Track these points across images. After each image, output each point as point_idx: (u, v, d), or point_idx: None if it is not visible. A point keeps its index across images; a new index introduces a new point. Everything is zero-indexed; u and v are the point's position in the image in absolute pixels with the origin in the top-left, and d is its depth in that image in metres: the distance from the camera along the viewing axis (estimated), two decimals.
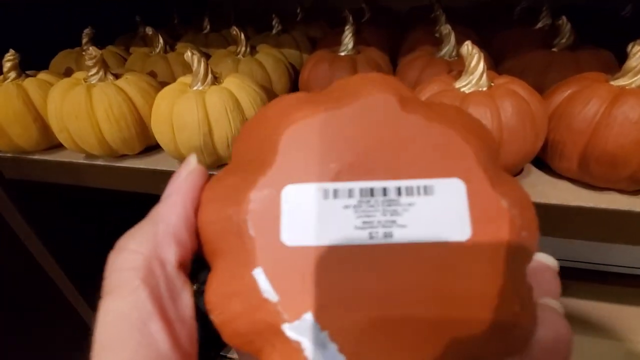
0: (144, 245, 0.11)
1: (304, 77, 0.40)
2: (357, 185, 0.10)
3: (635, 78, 0.26)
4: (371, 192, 0.10)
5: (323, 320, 0.09)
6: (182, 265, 0.12)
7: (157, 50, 0.46)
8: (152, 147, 0.38)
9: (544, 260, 0.12)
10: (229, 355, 0.57)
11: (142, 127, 0.36)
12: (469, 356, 0.09)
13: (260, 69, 0.41)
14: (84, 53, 0.48)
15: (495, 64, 0.38)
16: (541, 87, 0.32)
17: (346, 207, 0.09)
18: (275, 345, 0.09)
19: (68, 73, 0.46)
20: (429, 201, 0.10)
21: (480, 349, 0.09)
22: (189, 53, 0.32)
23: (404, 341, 0.09)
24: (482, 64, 0.27)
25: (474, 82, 0.27)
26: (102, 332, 0.11)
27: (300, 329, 0.09)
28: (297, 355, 0.09)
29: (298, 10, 0.60)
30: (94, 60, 0.35)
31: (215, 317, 0.10)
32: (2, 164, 0.42)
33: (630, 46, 0.27)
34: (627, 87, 0.27)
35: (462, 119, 0.11)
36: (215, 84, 0.33)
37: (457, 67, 0.32)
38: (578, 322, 0.58)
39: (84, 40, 0.49)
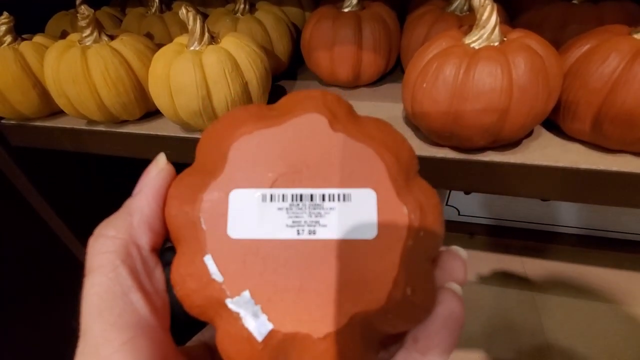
0: (121, 232, 0.13)
1: (306, 36, 0.38)
2: (289, 191, 0.12)
3: None
4: (300, 197, 0.12)
5: (257, 296, 0.11)
6: (154, 249, 0.14)
7: (153, 10, 0.44)
8: (153, 113, 0.38)
9: (456, 251, 0.15)
10: None
11: (141, 91, 0.35)
12: (370, 327, 0.12)
13: (260, 28, 0.39)
14: (77, 14, 0.46)
15: (511, 18, 0.36)
16: (559, 43, 0.30)
17: (280, 209, 0.12)
18: (222, 315, 0.12)
19: (64, 36, 0.45)
20: (346, 206, 0.12)
21: (379, 322, 0.12)
22: (183, 10, 0.30)
23: (318, 313, 0.11)
24: (494, 17, 0.25)
25: (485, 36, 0.25)
26: (89, 302, 0.12)
27: (239, 303, 0.11)
28: (236, 323, 0.11)
29: None
30: (86, 20, 0.33)
31: (177, 292, 0.12)
32: (7, 131, 0.42)
33: None
34: None
35: (383, 136, 0.13)
36: (212, 44, 0.31)
37: (468, 23, 0.30)
38: (581, 287, 0.58)
39: (78, 1, 0.47)
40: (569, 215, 0.63)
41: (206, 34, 0.31)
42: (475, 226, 0.69)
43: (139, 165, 0.51)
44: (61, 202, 0.52)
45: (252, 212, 0.12)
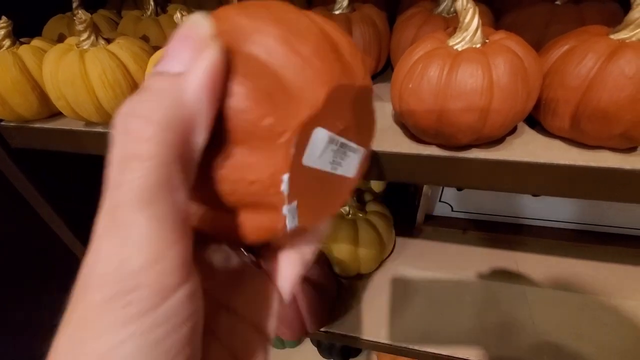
0: (171, 128, 0.11)
1: None
2: (342, 140, 0.15)
3: (637, 31, 0.26)
4: (343, 145, 0.15)
5: (299, 204, 0.15)
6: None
7: (149, 13, 0.45)
8: None
9: None
10: None
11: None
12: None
13: None
14: (74, 18, 0.47)
15: (497, 19, 0.37)
16: (542, 43, 0.31)
17: (332, 150, 0.15)
18: (265, 213, 0.14)
19: (61, 39, 0.46)
20: (352, 157, 0.16)
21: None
22: (178, 15, 0.31)
23: (327, 209, 0.17)
24: (476, 20, 0.26)
25: (467, 38, 0.27)
26: (130, 191, 0.11)
27: (289, 209, 0.14)
28: (279, 220, 0.14)
29: None
30: (84, 25, 0.34)
31: (229, 183, 0.14)
32: (7, 133, 0.43)
33: None
34: (627, 41, 0.26)
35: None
36: None
37: (455, 24, 0.31)
38: (571, 280, 0.59)
39: (75, 4, 0.48)
40: (560, 210, 0.64)
41: None
42: (468, 222, 0.70)
43: None
44: (61, 203, 0.53)
45: (319, 148, 0.14)
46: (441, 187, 0.68)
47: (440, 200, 0.70)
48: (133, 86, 0.35)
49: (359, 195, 0.63)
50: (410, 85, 0.27)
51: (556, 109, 0.28)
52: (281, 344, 0.91)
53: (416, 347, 0.53)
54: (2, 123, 0.42)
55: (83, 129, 0.39)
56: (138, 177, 0.11)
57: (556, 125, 0.29)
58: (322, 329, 0.57)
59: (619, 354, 0.50)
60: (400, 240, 0.70)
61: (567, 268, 0.61)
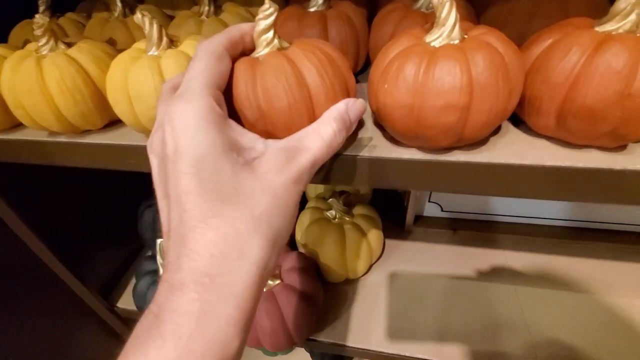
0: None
1: None
2: None
3: (623, 22, 0.24)
4: None
5: None
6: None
7: (116, 14, 0.43)
8: (117, 122, 0.37)
9: None
10: None
11: (101, 100, 0.34)
12: None
13: None
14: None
15: (478, 14, 0.35)
16: (525, 37, 0.29)
17: None
18: None
19: (26, 45, 0.43)
20: None
21: None
22: (139, 15, 0.29)
23: None
24: (453, 14, 0.24)
25: (445, 34, 0.25)
26: (196, 67, 0.23)
27: None
28: None
29: None
30: (42, 29, 0.32)
31: None
32: None
33: None
34: (613, 33, 0.24)
35: None
36: (172, 48, 0.30)
37: (433, 20, 0.29)
38: (562, 278, 0.58)
39: (41, 9, 0.46)
40: (550, 208, 0.63)
41: (164, 39, 0.30)
42: (458, 222, 0.69)
43: (111, 175, 0.50)
44: (33, 216, 0.50)
45: None
46: None
47: (429, 201, 0.69)
48: (95, 92, 0.33)
49: (346, 199, 0.61)
50: (386, 86, 0.25)
51: (541, 107, 0.26)
52: (273, 352, 0.89)
53: (407, 354, 0.52)
54: None
55: (46, 139, 0.37)
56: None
57: (541, 124, 0.27)
58: (309, 338, 0.56)
59: (611, 352, 0.49)
60: (389, 243, 0.68)
61: (558, 265, 0.60)
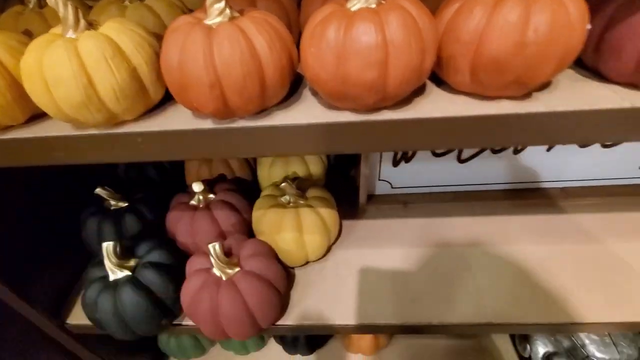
0: None
1: None
2: None
3: None
4: None
5: None
6: None
7: (31, 5, 0.40)
8: (41, 116, 0.34)
9: None
10: (183, 323, 0.57)
11: (20, 92, 0.31)
12: None
13: (152, 16, 0.37)
14: None
15: None
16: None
17: None
18: None
19: None
20: None
21: None
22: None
23: None
24: None
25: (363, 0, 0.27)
26: None
27: None
28: None
29: None
30: None
31: None
32: None
33: None
34: None
35: None
36: (90, 30, 0.29)
37: None
38: (501, 236, 0.64)
39: None
40: (486, 174, 0.69)
41: (81, 21, 0.29)
42: (408, 196, 0.73)
43: (47, 184, 0.47)
44: None
45: None
46: (379, 167, 0.69)
47: (379, 179, 0.71)
48: (11, 83, 0.31)
49: (299, 184, 0.62)
50: (312, 49, 0.26)
51: (456, 65, 0.29)
52: (244, 349, 0.88)
53: (370, 322, 0.54)
54: None
55: None
56: None
57: (458, 81, 0.30)
58: (277, 323, 0.56)
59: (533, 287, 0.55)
60: (346, 224, 0.70)
61: (494, 224, 0.65)
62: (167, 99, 0.34)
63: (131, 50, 0.29)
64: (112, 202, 0.61)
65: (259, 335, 0.74)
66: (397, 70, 0.25)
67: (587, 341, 0.67)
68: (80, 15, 0.29)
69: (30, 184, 0.57)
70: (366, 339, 0.83)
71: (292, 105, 0.32)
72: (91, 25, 0.30)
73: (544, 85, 0.31)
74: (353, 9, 0.27)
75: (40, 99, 0.29)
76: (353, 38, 0.24)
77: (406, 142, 0.29)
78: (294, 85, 0.35)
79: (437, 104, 0.30)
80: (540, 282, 0.56)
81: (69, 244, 0.64)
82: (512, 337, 0.85)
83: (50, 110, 0.29)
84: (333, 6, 0.28)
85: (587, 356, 0.67)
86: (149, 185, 0.68)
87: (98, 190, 0.59)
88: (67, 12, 0.28)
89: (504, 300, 0.55)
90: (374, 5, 0.27)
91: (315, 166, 0.68)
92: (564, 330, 0.52)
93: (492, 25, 0.26)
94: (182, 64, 0.25)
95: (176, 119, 0.32)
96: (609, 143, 0.63)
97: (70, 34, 0.28)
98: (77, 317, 0.61)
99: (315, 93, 0.33)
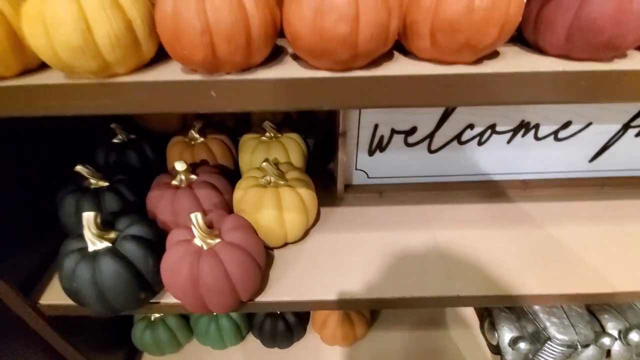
0: None
1: None
2: None
3: None
4: None
5: None
6: None
7: None
8: (33, 70, 0.36)
9: None
10: (161, 301, 0.57)
11: (16, 41, 0.34)
12: None
13: None
14: None
15: None
16: None
17: None
18: None
19: None
20: None
21: None
22: None
23: None
24: None
25: None
26: None
27: None
28: None
29: None
30: None
31: None
32: None
33: None
34: None
35: None
36: None
37: None
38: (467, 220, 0.68)
39: None
40: (454, 167, 0.74)
41: None
42: (383, 186, 0.77)
43: (22, 160, 0.48)
44: None
45: None
46: (355, 156, 0.73)
47: (356, 169, 0.75)
48: (9, 31, 0.33)
49: (279, 167, 0.64)
50: (293, 7, 0.30)
51: (418, 30, 0.33)
52: (222, 343, 0.86)
53: (346, 297, 0.56)
54: None
55: None
56: None
57: (421, 46, 0.34)
58: (256, 300, 0.57)
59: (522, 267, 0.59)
60: (324, 211, 0.73)
61: (465, 212, 0.70)
62: (158, 58, 0.37)
63: (127, 4, 0.32)
64: (92, 181, 0.62)
65: (238, 310, 0.74)
66: (366, 27, 0.29)
67: (547, 324, 0.72)
68: None
69: (6, 161, 0.57)
70: (343, 330, 0.84)
71: (275, 67, 0.35)
72: None
73: (493, 56, 0.36)
74: None
75: (38, 43, 0.31)
76: None
77: (374, 99, 0.33)
78: (276, 53, 0.38)
79: (402, 67, 0.34)
80: (499, 262, 0.61)
81: (44, 226, 0.63)
82: (482, 329, 0.89)
83: (47, 55, 0.31)
84: None
85: (549, 338, 0.71)
86: (130, 171, 0.69)
87: (79, 168, 0.59)
88: None
89: (469, 276, 0.58)
90: None
91: (295, 155, 0.71)
92: (514, 301, 0.56)
93: None
94: (176, 12, 0.28)
95: (167, 73, 0.34)
96: (543, 103, 0.69)
97: None
98: (50, 297, 0.60)
99: (296, 57, 0.37)
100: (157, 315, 0.85)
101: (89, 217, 0.50)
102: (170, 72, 0.34)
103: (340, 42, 0.30)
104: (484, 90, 0.33)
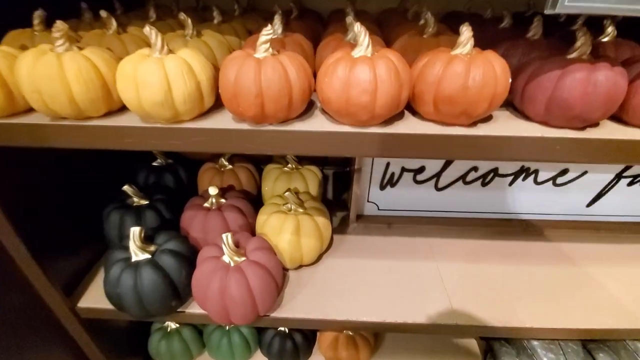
0: None
1: None
2: None
3: (463, 49, 0.41)
4: None
5: None
6: None
7: (111, 31, 0.53)
8: (114, 113, 0.45)
9: None
10: (187, 311, 0.64)
11: (106, 91, 0.43)
12: None
13: (207, 48, 0.50)
14: (36, 32, 0.53)
15: (388, 44, 0.52)
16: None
17: None
18: None
19: (24, 49, 0.51)
20: None
21: None
22: (147, 28, 0.40)
23: None
24: (367, 39, 0.39)
25: (362, 50, 0.39)
26: None
27: None
28: None
29: (235, 7, 0.70)
30: (61, 33, 0.41)
31: None
32: None
33: (461, 28, 0.40)
34: (458, 55, 0.40)
35: None
36: (171, 54, 0.41)
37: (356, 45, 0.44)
38: (473, 255, 0.74)
39: (36, 22, 0.54)
40: (463, 203, 0.80)
41: (165, 46, 0.41)
42: (392, 218, 0.83)
43: (80, 175, 0.58)
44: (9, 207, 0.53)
45: None
46: (368, 189, 0.80)
47: (368, 201, 0.82)
48: (103, 84, 0.42)
49: (299, 196, 0.72)
50: (326, 80, 0.38)
51: (424, 99, 0.41)
52: (232, 357, 0.91)
53: (353, 319, 0.62)
54: None
55: (48, 122, 0.44)
56: None
57: (426, 111, 0.42)
58: (272, 315, 0.63)
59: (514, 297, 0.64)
60: (336, 238, 0.79)
61: (468, 246, 0.76)
62: (214, 107, 0.45)
63: (198, 70, 0.41)
64: (135, 199, 0.71)
65: (256, 323, 0.79)
66: (382, 97, 0.37)
67: (545, 359, 0.75)
68: (165, 43, 0.41)
69: (69, 175, 0.67)
70: (348, 353, 0.88)
71: (307, 120, 0.44)
72: (170, 51, 0.42)
73: (487, 119, 0.44)
74: (355, 56, 0.39)
75: (128, 96, 0.40)
76: (354, 74, 0.37)
77: (386, 150, 0.41)
78: (309, 108, 0.47)
79: (409, 126, 0.42)
80: (497, 295, 0.66)
81: (86, 237, 0.71)
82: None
83: (133, 106, 0.41)
84: (342, 53, 0.41)
85: None
86: (166, 191, 0.78)
87: (126, 188, 0.68)
88: (157, 40, 0.40)
89: (469, 307, 0.64)
90: (369, 55, 0.39)
91: (313, 185, 0.79)
92: (509, 333, 0.61)
93: (446, 74, 0.39)
94: (237, 79, 0.37)
95: (221, 122, 0.43)
96: (528, 162, 0.74)
97: (157, 55, 0.40)
98: (87, 301, 0.67)
99: (324, 112, 0.45)
100: (173, 326, 0.91)
101: (135, 231, 0.58)
102: (224, 121, 0.43)
103: (361, 107, 0.38)
104: (476, 149, 0.40)
